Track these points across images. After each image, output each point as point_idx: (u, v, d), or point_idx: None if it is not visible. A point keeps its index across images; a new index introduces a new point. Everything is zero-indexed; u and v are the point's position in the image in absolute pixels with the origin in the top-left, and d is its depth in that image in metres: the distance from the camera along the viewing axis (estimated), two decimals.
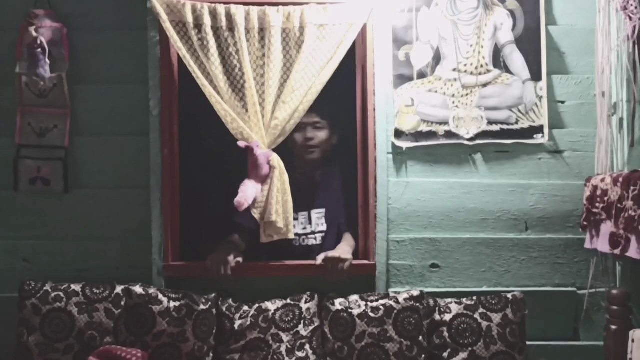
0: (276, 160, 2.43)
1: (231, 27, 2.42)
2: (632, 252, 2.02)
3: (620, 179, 2.07)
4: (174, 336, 2.28)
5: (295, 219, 2.56)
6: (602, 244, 2.25)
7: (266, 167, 2.40)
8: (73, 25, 2.50)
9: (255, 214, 2.38)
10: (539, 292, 2.53)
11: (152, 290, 2.32)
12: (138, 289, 2.31)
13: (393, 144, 2.54)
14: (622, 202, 2.05)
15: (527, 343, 2.39)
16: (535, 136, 2.56)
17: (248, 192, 2.33)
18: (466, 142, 2.55)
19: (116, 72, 2.52)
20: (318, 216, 2.66)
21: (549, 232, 2.55)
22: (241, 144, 2.39)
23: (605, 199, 2.18)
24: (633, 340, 2.12)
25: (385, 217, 2.52)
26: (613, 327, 2.23)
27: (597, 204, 2.26)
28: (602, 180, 2.23)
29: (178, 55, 2.48)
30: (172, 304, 2.30)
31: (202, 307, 2.34)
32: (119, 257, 2.50)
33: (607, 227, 2.21)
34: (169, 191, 2.51)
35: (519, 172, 2.56)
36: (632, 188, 1.99)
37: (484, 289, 2.53)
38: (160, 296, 2.31)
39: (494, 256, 2.55)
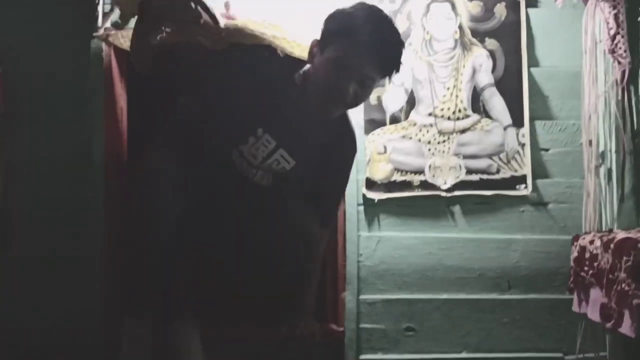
0: None
1: None
2: (625, 329, 1.82)
3: (612, 246, 1.87)
4: None
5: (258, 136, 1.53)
6: (592, 312, 2.05)
7: None
8: (9, 66, 2.25)
9: None
10: (523, 358, 2.32)
11: None
12: None
13: (364, 195, 2.33)
14: (614, 273, 1.85)
15: None
16: (517, 187, 2.36)
17: None
18: (443, 194, 2.34)
19: (55, 113, 2.27)
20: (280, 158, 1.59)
21: (533, 292, 2.35)
22: None
23: (595, 264, 1.98)
24: None
25: (355, 276, 2.30)
26: None
27: (585, 268, 2.06)
28: (591, 242, 2.04)
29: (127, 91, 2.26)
30: None
31: None
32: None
33: (596, 294, 2.01)
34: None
35: (501, 225, 2.37)
36: (625, 258, 1.79)
37: (464, 354, 2.32)
38: None
39: (474, 318, 2.34)
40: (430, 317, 2.34)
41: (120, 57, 2.28)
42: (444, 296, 2.34)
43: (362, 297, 2.31)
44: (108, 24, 2.16)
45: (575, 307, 2.22)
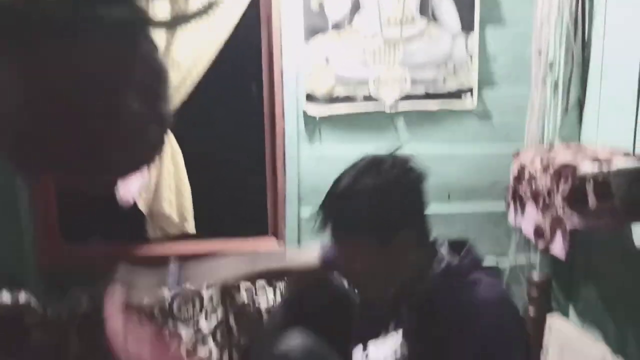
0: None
1: None
2: (556, 249, 1.87)
3: (551, 170, 1.86)
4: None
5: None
6: (526, 227, 2.09)
7: None
8: None
9: (142, 206, 2.04)
10: None
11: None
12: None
13: (304, 112, 2.20)
14: (551, 196, 1.86)
15: None
16: (463, 96, 2.28)
17: (133, 183, 1.96)
18: (388, 108, 2.24)
19: None
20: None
21: (471, 202, 2.37)
22: None
23: (533, 185, 1.98)
24: (550, 328, 2.05)
25: (296, 195, 2.25)
26: (532, 310, 2.14)
27: (523, 187, 2.07)
28: (531, 162, 2.02)
29: None
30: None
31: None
32: None
33: (532, 212, 2.04)
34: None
35: (445, 138, 2.32)
36: (562, 184, 1.79)
37: None
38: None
39: None
40: None
41: None
42: None
43: (303, 215, 2.28)
44: None
45: (511, 219, 2.27)
